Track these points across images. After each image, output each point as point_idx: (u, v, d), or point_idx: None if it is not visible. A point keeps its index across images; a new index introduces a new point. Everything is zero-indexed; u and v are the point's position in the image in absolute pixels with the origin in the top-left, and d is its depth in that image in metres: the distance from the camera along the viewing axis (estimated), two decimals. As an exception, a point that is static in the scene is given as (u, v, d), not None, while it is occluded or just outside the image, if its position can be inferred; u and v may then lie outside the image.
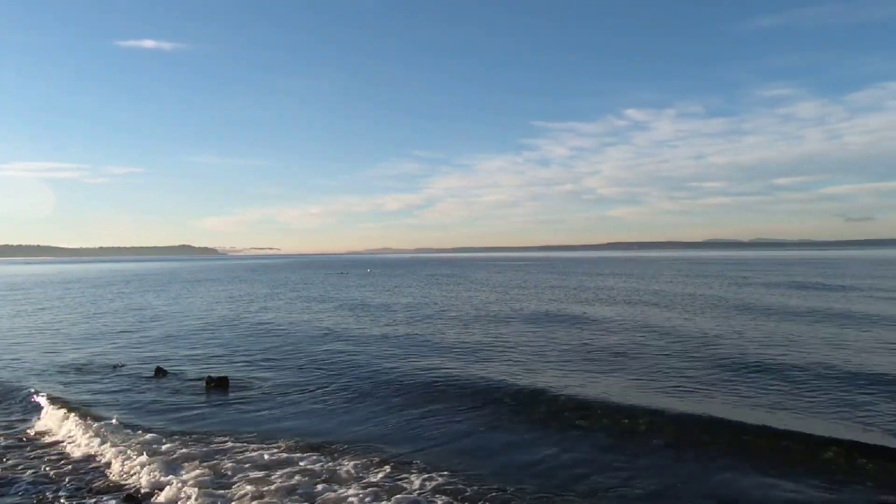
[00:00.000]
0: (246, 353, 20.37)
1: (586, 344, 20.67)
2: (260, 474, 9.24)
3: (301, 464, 9.74)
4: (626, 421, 11.59)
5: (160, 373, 16.86)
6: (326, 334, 24.43)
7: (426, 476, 9.17)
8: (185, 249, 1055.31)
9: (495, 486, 8.75)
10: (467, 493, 8.49)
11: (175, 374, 17.02)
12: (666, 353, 18.69)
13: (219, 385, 15.19)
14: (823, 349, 18.67)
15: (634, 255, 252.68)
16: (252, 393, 14.78)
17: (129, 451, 10.19)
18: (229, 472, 9.36)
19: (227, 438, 11.15)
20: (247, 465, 9.68)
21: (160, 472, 9.35)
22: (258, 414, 13.01)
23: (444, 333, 23.81)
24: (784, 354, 17.91)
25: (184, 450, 10.42)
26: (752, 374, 15.45)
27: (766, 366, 16.33)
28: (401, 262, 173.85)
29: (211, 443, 10.90)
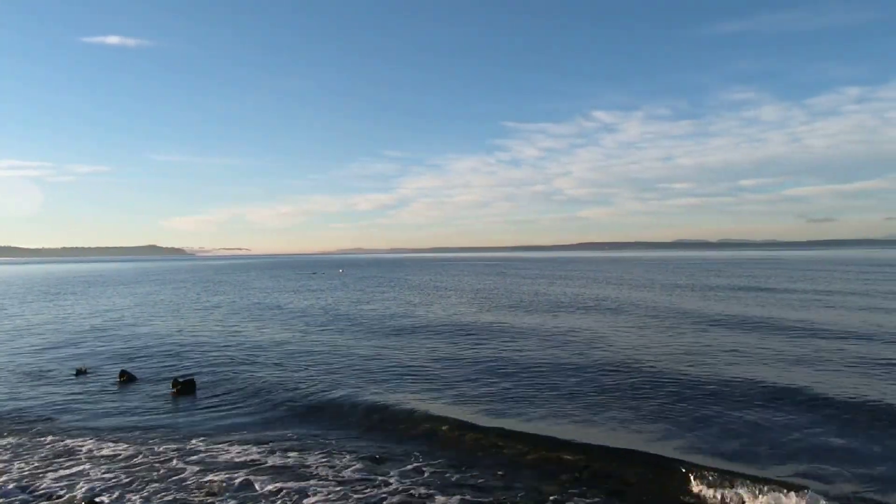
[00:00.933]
0: (213, 355, 20.23)
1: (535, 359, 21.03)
2: (227, 475, 9.34)
3: (269, 462, 9.87)
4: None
5: (125, 377, 16.69)
6: (292, 337, 24.40)
7: (401, 470, 9.41)
8: (152, 250, 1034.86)
9: (468, 483, 9.01)
10: (451, 480, 8.74)
11: (141, 377, 16.89)
12: (589, 371, 19.09)
13: (185, 388, 15.14)
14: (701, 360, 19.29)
15: (605, 256, 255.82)
16: (220, 395, 14.78)
17: (83, 461, 10.16)
18: (194, 475, 9.43)
19: (194, 441, 11.19)
20: (213, 467, 9.76)
21: (120, 483, 9.36)
22: (226, 416, 13.04)
23: (405, 349, 23.95)
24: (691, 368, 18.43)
25: (149, 456, 10.45)
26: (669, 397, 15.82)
27: (673, 382, 15.94)
28: (374, 263, 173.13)
29: (176, 445, 10.93)
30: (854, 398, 12.99)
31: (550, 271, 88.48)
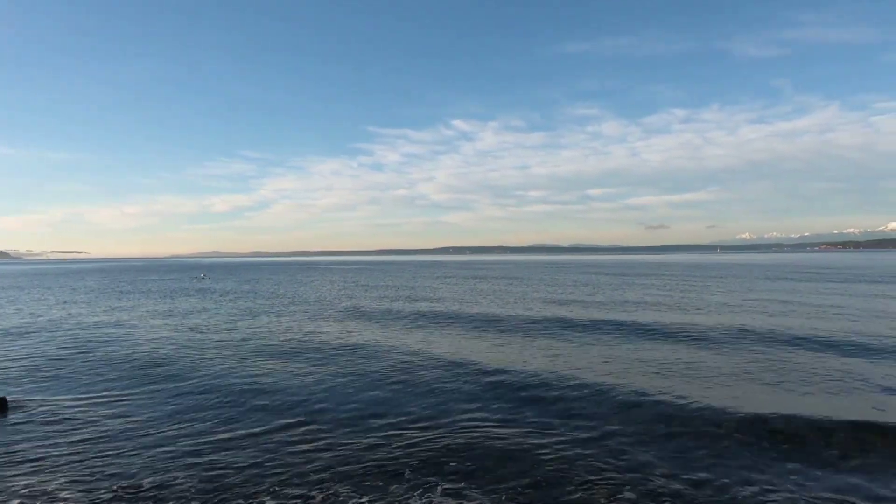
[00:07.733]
0: (29, 370, 18.19)
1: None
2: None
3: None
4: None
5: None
6: (126, 348, 22.61)
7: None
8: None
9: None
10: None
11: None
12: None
13: (-7, 409, 13.47)
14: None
15: (467, 259, 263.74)
16: (36, 416, 13.30)
17: None
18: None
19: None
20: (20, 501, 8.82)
21: None
22: (41, 440, 11.75)
23: (237, 352, 23.26)
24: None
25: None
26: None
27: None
28: (235, 267, 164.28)
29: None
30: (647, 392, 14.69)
31: (425, 273, 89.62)
